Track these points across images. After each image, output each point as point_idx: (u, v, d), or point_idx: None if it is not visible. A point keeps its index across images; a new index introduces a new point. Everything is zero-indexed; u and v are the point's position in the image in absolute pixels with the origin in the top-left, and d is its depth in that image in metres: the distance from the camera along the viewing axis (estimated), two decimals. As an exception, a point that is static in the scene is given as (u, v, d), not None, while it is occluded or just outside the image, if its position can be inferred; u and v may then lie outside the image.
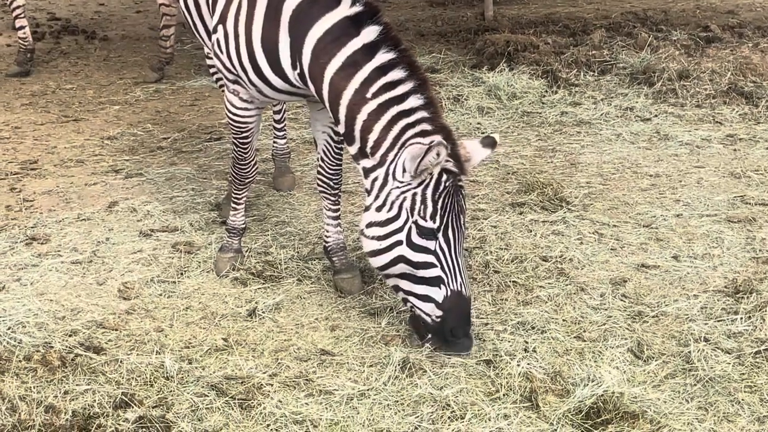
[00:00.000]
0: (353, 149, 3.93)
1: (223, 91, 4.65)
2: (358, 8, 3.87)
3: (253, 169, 4.74)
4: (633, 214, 5.27)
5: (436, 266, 3.83)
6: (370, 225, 3.88)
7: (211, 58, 5.05)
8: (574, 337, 4.03)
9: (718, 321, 4.11)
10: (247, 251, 4.85)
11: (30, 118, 7.15)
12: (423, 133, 3.78)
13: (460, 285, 3.85)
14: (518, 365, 3.77)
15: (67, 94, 7.74)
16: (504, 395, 3.63)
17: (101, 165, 6.19)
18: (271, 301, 4.38)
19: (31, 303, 4.36)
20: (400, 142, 3.79)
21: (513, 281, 4.52)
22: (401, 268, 3.86)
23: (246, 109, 4.40)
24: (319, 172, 4.58)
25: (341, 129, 3.94)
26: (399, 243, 3.84)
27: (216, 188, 5.75)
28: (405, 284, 3.91)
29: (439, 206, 3.78)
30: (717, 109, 6.84)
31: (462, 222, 3.87)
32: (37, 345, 3.99)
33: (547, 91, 7.35)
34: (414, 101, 3.80)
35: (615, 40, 8.40)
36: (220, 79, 4.78)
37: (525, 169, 5.95)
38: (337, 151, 4.51)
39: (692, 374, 3.74)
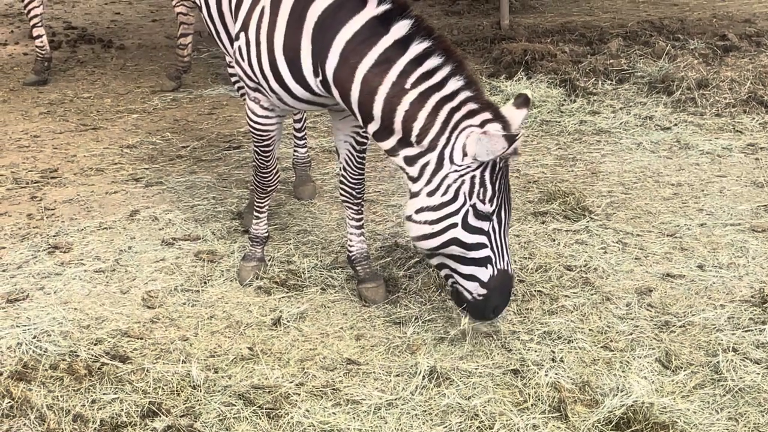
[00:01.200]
0: (390, 142, 3.91)
1: (244, 99, 4.64)
2: (385, 6, 3.85)
3: (275, 177, 4.73)
4: (656, 223, 5.25)
5: (486, 246, 3.87)
6: (420, 210, 3.87)
7: (233, 67, 5.05)
8: (602, 347, 4.01)
9: (746, 331, 4.09)
10: (270, 260, 4.84)
11: (49, 127, 7.15)
12: (470, 114, 3.77)
13: (507, 264, 3.91)
14: (546, 375, 3.75)
15: (84, 102, 7.75)
16: (532, 405, 3.61)
17: (121, 173, 6.19)
18: (295, 310, 4.37)
19: (55, 311, 4.36)
20: (450, 126, 3.78)
21: (538, 291, 4.50)
22: (453, 249, 3.88)
23: (267, 117, 4.39)
24: (341, 182, 4.57)
25: (375, 125, 3.91)
26: (454, 226, 3.84)
27: (237, 197, 5.75)
28: (452, 264, 3.93)
29: (495, 188, 3.82)
30: (737, 118, 6.81)
31: (510, 200, 3.93)
32: (63, 354, 3.98)
33: (565, 100, 7.34)
34: (454, 84, 3.79)
35: (632, 48, 8.38)
36: (242, 87, 4.77)
37: (546, 178, 5.93)
38: (359, 160, 4.50)
39: (721, 384, 3.72)
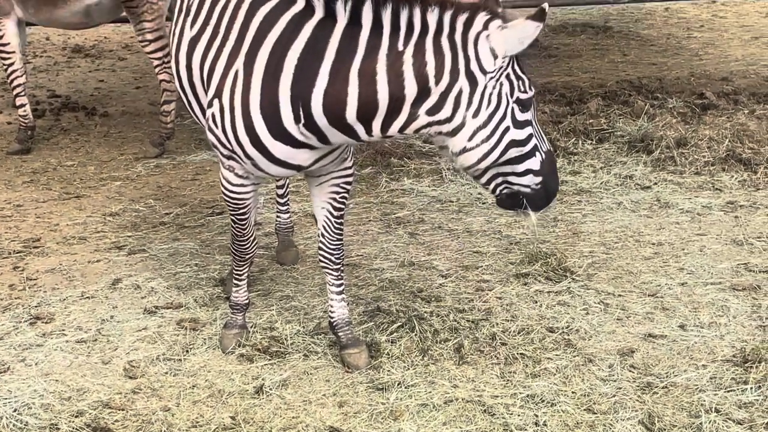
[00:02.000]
0: (404, 114, 3.90)
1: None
2: (349, 11, 3.88)
3: (253, 245, 4.73)
4: (638, 283, 5.27)
5: (533, 135, 3.95)
6: (473, 136, 3.89)
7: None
8: (585, 410, 4.01)
9: (728, 391, 4.10)
10: (252, 327, 4.84)
11: (32, 196, 7.16)
12: (468, 24, 3.83)
13: (547, 143, 4.04)
14: (529, 440, 3.75)
15: (68, 170, 7.77)
16: (516, 471, 3.60)
17: (104, 242, 6.19)
18: (278, 377, 4.36)
19: (36, 384, 4.34)
20: (460, 47, 3.83)
21: (521, 353, 4.51)
22: (511, 152, 3.93)
23: (242, 185, 4.40)
24: (320, 248, 4.59)
25: (381, 112, 3.89)
26: (507, 129, 3.90)
27: (219, 263, 5.75)
28: (507, 169, 3.98)
29: (526, 73, 3.90)
30: (716, 176, 6.87)
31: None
32: (44, 427, 3.96)
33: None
34: (433, 19, 3.83)
35: (611, 108, 8.46)
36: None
37: (528, 239, 5.96)
38: (337, 225, 4.53)
39: (705, 446, 3.72)
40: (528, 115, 3.93)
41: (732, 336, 4.63)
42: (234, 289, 4.77)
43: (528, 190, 4.03)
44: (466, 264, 5.64)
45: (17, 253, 6.04)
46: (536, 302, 5.08)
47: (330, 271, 4.59)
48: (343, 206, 4.51)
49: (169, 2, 7.94)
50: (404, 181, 7.08)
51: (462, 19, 3.83)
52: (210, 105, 4.22)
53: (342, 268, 4.60)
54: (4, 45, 8.26)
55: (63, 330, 4.93)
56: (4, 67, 8.40)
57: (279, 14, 4.04)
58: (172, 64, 4.64)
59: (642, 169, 7.06)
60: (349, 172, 4.48)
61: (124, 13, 8.21)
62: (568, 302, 5.06)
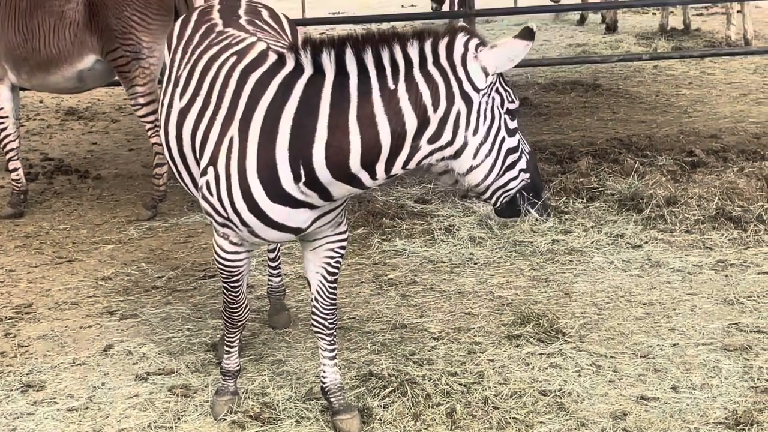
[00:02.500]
0: (405, 149, 3.98)
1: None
2: (334, 62, 3.95)
3: (246, 311, 4.74)
4: (629, 344, 5.28)
5: (520, 140, 4.13)
6: (476, 153, 4.01)
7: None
8: (577, 475, 3.99)
9: (721, 454, 4.09)
10: (244, 392, 4.83)
11: (24, 261, 7.17)
12: (449, 48, 3.96)
13: (524, 142, 4.21)
14: (522, 507, 3.73)
15: (60, 234, 7.78)
16: None
17: (96, 307, 6.19)
18: (269, 444, 4.34)
19: (26, 454, 4.32)
20: (449, 71, 3.94)
21: (513, 417, 4.50)
22: (509, 160, 4.08)
23: (236, 252, 4.42)
24: (313, 312, 4.59)
25: (385, 150, 3.96)
26: (504, 140, 4.04)
27: (212, 327, 5.75)
28: (507, 176, 4.12)
29: (509, 84, 4.08)
30: (706, 234, 6.90)
31: None
32: (34, 498, 3.93)
33: (537, 220, 7.41)
34: (414, 51, 3.94)
35: (602, 166, 8.51)
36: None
37: (519, 300, 5.97)
38: (331, 289, 4.54)
39: None
40: (516, 123, 4.11)
41: (724, 398, 4.63)
42: (225, 355, 4.76)
43: (521, 187, 4.17)
44: (458, 326, 5.64)
45: (9, 319, 6.03)
46: (528, 364, 5.08)
47: (323, 336, 4.59)
48: (337, 271, 4.52)
49: (160, 67, 8.01)
50: (396, 242, 7.10)
51: (443, 44, 3.95)
52: (204, 173, 4.24)
53: (335, 333, 4.60)
54: (-3, 110, 8.31)
55: (54, 398, 4.92)
56: (-3, 131, 8.45)
57: (270, 77, 4.09)
58: (161, 134, 4.68)
59: (633, 228, 7.09)
60: (344, 236, 4.51)
61: (116, 77, 8.29)
62: (560, 364, 5.06)
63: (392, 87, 3.92)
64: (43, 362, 5.36)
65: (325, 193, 4.07)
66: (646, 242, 6.87)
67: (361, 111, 3.92)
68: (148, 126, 8.19)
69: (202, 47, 4.57)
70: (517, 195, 4.18)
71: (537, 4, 16.11)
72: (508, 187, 4.14)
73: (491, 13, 13.04)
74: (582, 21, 18.46)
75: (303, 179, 4.02)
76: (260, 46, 4.31)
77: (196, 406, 4.77)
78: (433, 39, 3.95)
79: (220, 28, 4.68)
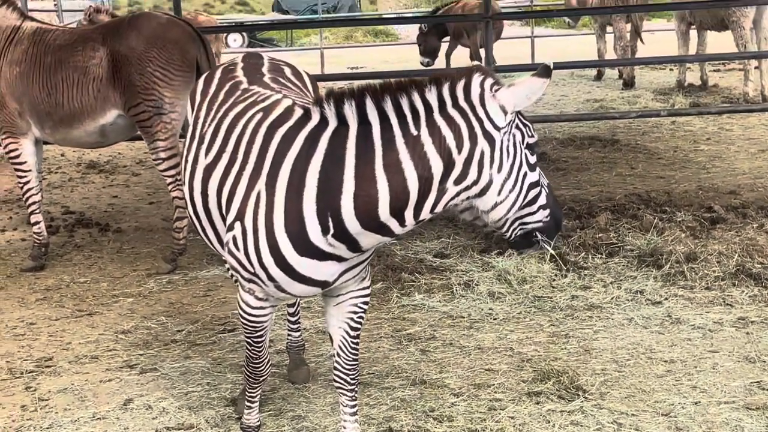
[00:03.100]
0: (432, 194, 4.02)
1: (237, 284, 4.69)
2: (356, 113, 4.02)
3: (267, 366, 4.76)
4: (651, 402, 5.25)
5: (540, 174, 4.17)
6: (501, 190, 4.05)
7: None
8: None
9: None
10: (263, 448, 4.82)
11: (44, 314, 7.20)
12: (467, 90, 4.00)
13: (543, 176, 4.22)
14: None
15: (81, 287, 7.82)
16: None
17: (116, 360, 6.21)
18: (289, 501, 4.33)
19: None
20: (470, 113, 3.98)
21: (534, 476, 4.47)
22: (530, 194, 4.11)
23: (261, 308, 4.44)
24: (335, 368, 4.59)
25: (413, 196, 3.99)
26: (526, 174, 4.08)
27: (231, 382, 5.75)
28: (525, 210, 4.15)
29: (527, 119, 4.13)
30: (726, 291, 6.87)
31: None
32: None
33: (556, 275, 7.41)
34: (432, 96, 4.00)
35: (620, 222, 8.52)
36: (234, 274, 4.81)
37: (539, 357, 5.95)
38: (353, 345, 4.54)
39: None
40: (535, 158, 4.15)
41: (747, 457, 4.60)
42: (246, 410, 4.77)
43: (540, 224, 4.21)
44: (478, 382, 5.63)
45: (29, 372, 6.05)
46: (549, 422, 5.05)
47: (344, 392, 4.59)
48: (360, 326, 4.54)
49: (182, 122, 8.10)
50: (415, 297, 7.11)
51: (460, 86, 4.01)
52: (231, 228, 4.27)
53: (356, 389, 4.60)
54: (21, 163, 8.41)
55: (74, 453, 4.92)
56: (20, 185, 8.54)
57: (296, 132, 4.14)
58: (185, 190, 4.71)
59: (652, 284, 7.07)
60: (367, 291, 4.53)
61: (138, 132, 8.37)
62: (581, 422, 5.04)
63: (415, 133, 3.97)
64: (63, 416, 5.37)
65: (353, 244, 4.09)
66: (666, 299, 6.86)
67: (386, 159, 3.97)
68: (169, 180, 8.25)
69: (227, 105, 4.63)
70: (532, 229, 4.23)
71: (554, 59, 16.21)
72: (525, 221, 4.18)
73: (510, 70, 13.14)
74: (599, 76, 18.59)
75: (331, 231, 4.04)
76: (286, 103, 4.36)
77: (216, 461, 4.76)
78: (450, 82, 4.01)
79: (245, 85, 4.74)
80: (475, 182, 4.03)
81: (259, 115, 4.36)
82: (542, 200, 4.19)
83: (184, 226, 8.30)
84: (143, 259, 8.57)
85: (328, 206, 4.02)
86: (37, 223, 8.54)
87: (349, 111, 4.01)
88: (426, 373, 5.79)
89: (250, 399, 4.77)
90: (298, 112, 4.21)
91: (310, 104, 4.22)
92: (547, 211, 4.22)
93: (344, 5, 35.89)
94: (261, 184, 4.14)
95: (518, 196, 4.09)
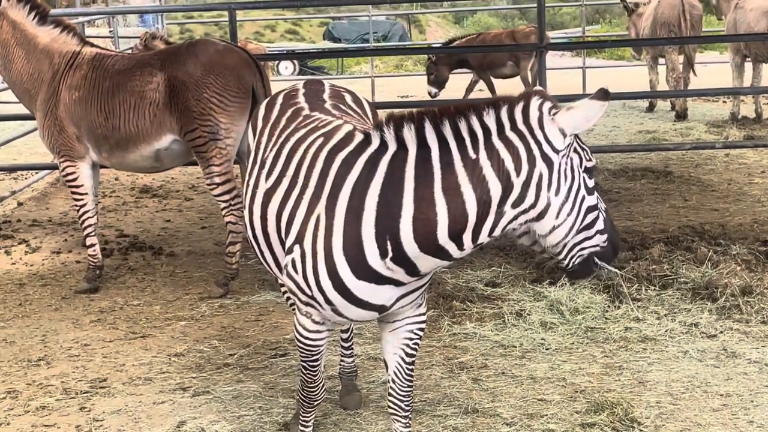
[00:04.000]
0: (491, 217, 4.03)
1: (292, 309, 4.71)
2: (415, 137, 4.06)
3: (322, 390, 4.77)
4: (707, 436, 5.19)
5: (599, 198, 4.16)
6: (558, 213, 4.05)
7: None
8: None
9: None
10: (316, 474, 4.82)
11: (99, 335, 7.27)
12: (526, 113, 4.01)
13: (600, 200, 4.20)
14: None
15: (134, 310, 7.89)
16: None
17: (169, 383, 6.25)
18: None
19: None
20: (528, 136, 3.99)
21: (589, 508, 4.43)
22: (588, 218, 4.10)
23: (318, 331, 4.46)
24: (390, 394, 4.59)
25: (473, 220, 4.02)
26: (584, 198, 4.07)
27: (283, 407, 5.76)
28: (583, 235, 4.13)
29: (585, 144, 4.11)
30: (783, 325, 6.79)
31: None
32: None
33: (609, 306, 7.36)
34: (491, 121, 4.02)
35: (674, 254, 8.43)
36: (290, 298, 4.83)
37: (593, 388, 5.91)
38: (408, 371, 4.54)
39: None
40: (593, 182, 4.14)
41: (807, 493, 4.52)
42: (300, 435, 4.78)
43: (598, 249, 4.18)
44: (530, 412, 5.59)
45: (84, 393, 6.11)
46: (604, 454, 5.01)
47: (398, 418, 4.58)
48: (415, 352, 4.53)
49: (237, 147, 8.17)
50: (466, 325, 7.09)
51: (518, 109, 4.02)
52: (290, 251, 4.30)
53: (410, 415, 4.59)
54: (78, 186, 8.52)
55: (128, 473, 4.95)
56: (77, 207, 8.65)
57: (356, 156, 4.18)
58: (245, 214, 4.75)
59: (707, 317, 7.00)
60: (423, 318, 4.53)
61: (192, 158, 8.46)
62: (636, 454, 4.99)
63: (474, 156, 3.99)
64: (117, 437, 5.41)
65: (411, 268, 4.10)
66: (722, 332, 6.78)
67: (445, 182, 3.99)
68: (223, 204, 8.31)
69: (288, 130, 4.67)
70: (591, 255, 4.21)
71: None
72: (583, 246, 4.17)
73: (561, 100, 13.08)
74: (651, 108, 18.47)
75: (390, 255, 4.06)
76: (347, 128, 4.39)
77: (269, 485, 4.77)
78: (508, 105, 4.03)
79: (306, 112, 4.78)
80: (533, 205, 4.03)
81: (320, 140, 4.39)
82: (600, 225, 4.17)
83: (236, 250, 8.35)
84: (195, 282, 8.63)
85: (387, 229, 4.03)
86: (92, 245, 8.64)
87: (408, 135, 4.04)
88: (478, 401, 5.77)
89: (303, 423, 4.78)
90: (359, 137, 4.25)
91: (370, 129, 4.25)
92: (605, 236, 4.20)
93: (395, 34, 36.05)
94: (321, 208, 4.17)
95: (576, 219, 4.08)
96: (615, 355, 6.49)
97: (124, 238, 10.31)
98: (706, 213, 10.39)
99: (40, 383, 6.31)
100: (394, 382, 4.54)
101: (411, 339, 4.50)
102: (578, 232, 4.13)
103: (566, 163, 4.04)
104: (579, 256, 4.19)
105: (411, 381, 4.55)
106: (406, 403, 4.55)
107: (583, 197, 4.10)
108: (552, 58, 19.44)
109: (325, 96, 5.00)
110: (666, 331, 6.83)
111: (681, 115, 17.02)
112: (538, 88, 4.38)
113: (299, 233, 4.25)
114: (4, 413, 5.86)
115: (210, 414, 5.70)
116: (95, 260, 8.62)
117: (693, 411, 5.53)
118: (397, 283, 4.17)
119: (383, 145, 4.12)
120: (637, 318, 7.12)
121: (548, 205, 4.04)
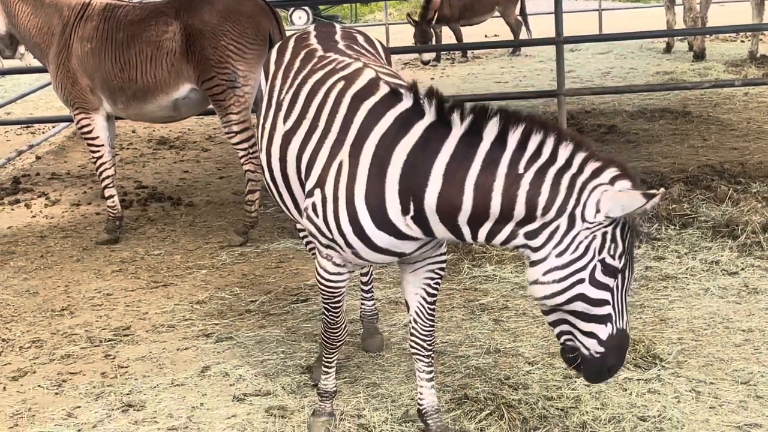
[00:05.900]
0: (504, 232, 3.93)
1: (312, 254, 4.72)
2: (467, 120, 3.92)
3: (344, 332, 4.79)
4: (729, 371, 5.19)
5: (609, 303, 3.87)
6: (548, 271, 3.86)
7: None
8: (681, 501, 3.93)
9: (830, 482, 3.99)
10: (340, 414, 4.85)
11: (121, 285, 7.32)
12: (596, 173, 3.77)
13: (625, 323, 3.92)
14: None
15: (155, 259, 7.93)
16: None
17: (192, 330, 6.29)
18: (367, 465, 4.36)
19: (129, 471, 4.39)
20: (577, 189, 3.78)
21: (612, 442, 4.45)
22: (577, 306, 3.88)
23: (339, 273, 4.45)
24: (412, 334, 4.60)
25: (488, 224, 3.93)
26: (581, 281, 3.84)
27: (306, 351, 5.79)
28: (572, 319, 3.93)
29: (625, 245, 3.83)
30: (805, 260, 6.76)
31: (633, 261, 3.94)
32: None
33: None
34: (564, 153, 3.83)
35: (694, 193, 8.39)
36: (311, 242, 4.83)
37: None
38: (430, 311, 4.54)
39: None
40: (609, 281, 3.85)
41: (830, 425, 4.53)
42: (323, 376, 4.80)
43: (587, 353, 3.96)
44: (552, 351, 5.60)
45: (108, 341, 6.16)
46: (626, 390, 5.02)
47: (421, 358, 4.59)
48: (436, 292, 4.54)
49: (255, 95, 8.14)
50: (486, 268, 7.09)
51: (593, 165, 3.79)
52: (310, 195, 4.28)
53: (433, 355, 4.60)
54: (93, 138, 8.53)
55: (155, 417, 5.00)
56: (93, 159, 8.67)
57: (385, 110, 4.11)
58: (262, 156, 4.74)
59: (728, 255, 6.98)
60: (444, 258, 4.52)
61: (210, 106, 8.44)
62: (658, 390, 5.00)
63: (521, 171, 3.84)
64: (142, 383, 5.46)
65: (428, 231, 4.08)
66: (743, 269, 6.76)
67: (481, 178, 3.88)
68: (242, 153, 8.30)
69: (304, 72, 4.64)
70: (578, 348, 3.98)
71: (623, 31, 15.98)
72: (574, 333, 3.96)
73: (579, 40, 12.97)
74: (668, 49, 18.30)
75: (411, 213, 4.03)
76: (369, 73, 4.33)
77: (294, 427, 4.81)
78: (587, 153, 3.81)
79: (320, 53, 4.74)
80: (536, 249, 3.90)
81: (340, 84, 4.35)
82: (599, 331, 3.89)
83: (255, 199, 8.36)
84: (215, 232, 8.66)
85: (411, 191, 4.00)
86: (111, 197, 8.67)
87: (458, 118, 3.92)
88: (500, 342, 5.78)
89: (327, 365, 4.80)
90: (384, 88, 4.19)
91: (398, 86, 4.18)
92: (601, 349, 3.91)
93: (408, -19, 35.75)
94: (344, 154, 4.14)
95: (560, 293, 3.86)
96: (636, 293, 6.48)
97: (142, 189, 10.34)
98: (725, 152, 10.33)
99: (65, 332, 6.37)
100: (416, 322, 4.55)
101: (432, 279, 4.50)
102: (563, 310, 3.92)
103: (585, 237, 3.80)
104: (569, 339, 4.00)
105: (433, 321, 4.56)
106: (429, 342, 4.56)
107: (581, 280, 3.83)
108: (568, 1, 19.23)
109: (337, 37, 4.96)
110: (687, 269, 6.82)
111: (699, 55, 16.86)
112: (624, 162, 3.95)
113: (320, 177, 4.23)
114: (29, 362, 5.92)
115: (233, 359, 5.74)
116: (114, 211, 8.65)
117: (715, 347, 5.53)
118: (415, 240, 4.16)
119: (417, 108, 4.05)
120: (657, 257, 7.11)
121: (545, 258, 3.88)
